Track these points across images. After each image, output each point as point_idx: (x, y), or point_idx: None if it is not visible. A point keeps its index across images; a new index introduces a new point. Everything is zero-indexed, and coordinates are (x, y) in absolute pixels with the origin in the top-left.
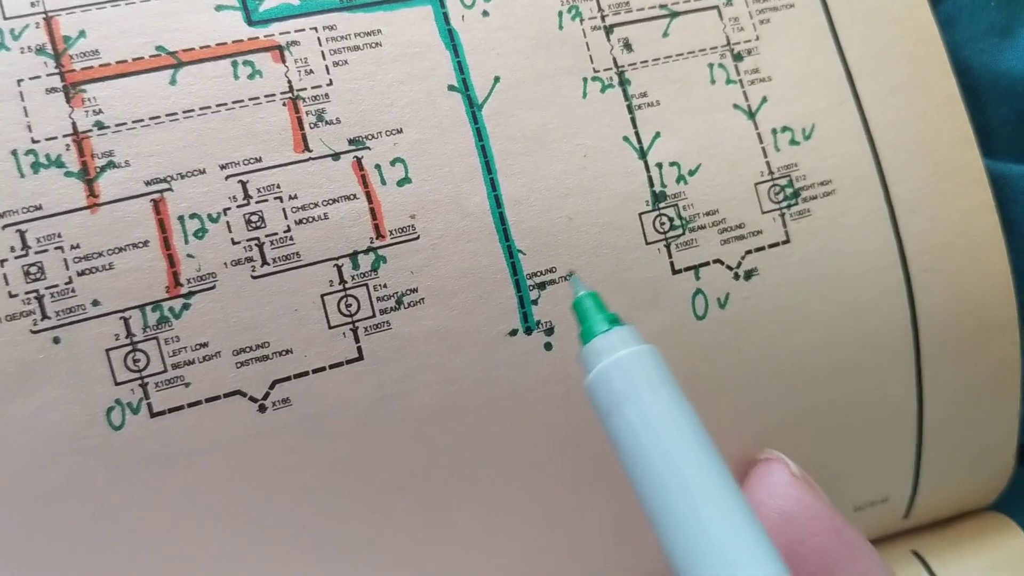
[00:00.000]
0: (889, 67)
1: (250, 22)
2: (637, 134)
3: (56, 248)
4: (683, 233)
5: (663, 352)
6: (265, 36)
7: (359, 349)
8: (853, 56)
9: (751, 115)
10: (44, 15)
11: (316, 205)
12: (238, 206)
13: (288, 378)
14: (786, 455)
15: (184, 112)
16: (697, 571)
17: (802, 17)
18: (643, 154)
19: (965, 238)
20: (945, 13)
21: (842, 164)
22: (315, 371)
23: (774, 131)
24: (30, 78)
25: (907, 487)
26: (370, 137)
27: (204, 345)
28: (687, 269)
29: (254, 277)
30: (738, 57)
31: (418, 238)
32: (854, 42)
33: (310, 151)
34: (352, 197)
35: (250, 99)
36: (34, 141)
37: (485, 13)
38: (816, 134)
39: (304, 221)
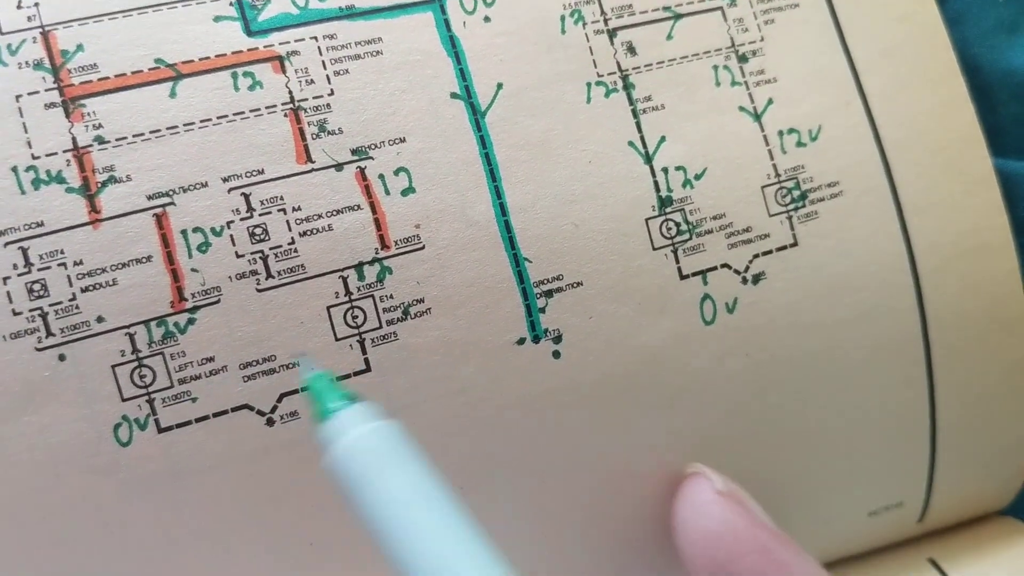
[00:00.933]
0: (896, 65)
1: (249, 32)
2: (642, 139)
3: (59, 265)
4: (690, 238)
5: (678, 357)
6: (265, 46)
7: (366, 361)
8: (859, 54)
9: (757, 117)
10: (41, 29)
11: (320, 216)
12: (241, 219)
13: (296, 391)
14: (797, 460)
15: (185, 125)
16: None
17: (807, 16)
18: (649, 159)
19: (974, 238)
20: (953, 10)
21: (849, 165)
22: None
23: (780, 133)
24: (28, 93)
25: (921, 491)
26: (373, 147)
27: (210, 359)
28: (695, 274)
29: (259, 290)
30: (743, 58)
31: (423, 248)
32: (860, 40)
33: (313, 162)
34: (356, 208)
35: (251, 111)
36: (34, 157)
37: (487, 19)
38: (823, 135)
39: (308, 233)
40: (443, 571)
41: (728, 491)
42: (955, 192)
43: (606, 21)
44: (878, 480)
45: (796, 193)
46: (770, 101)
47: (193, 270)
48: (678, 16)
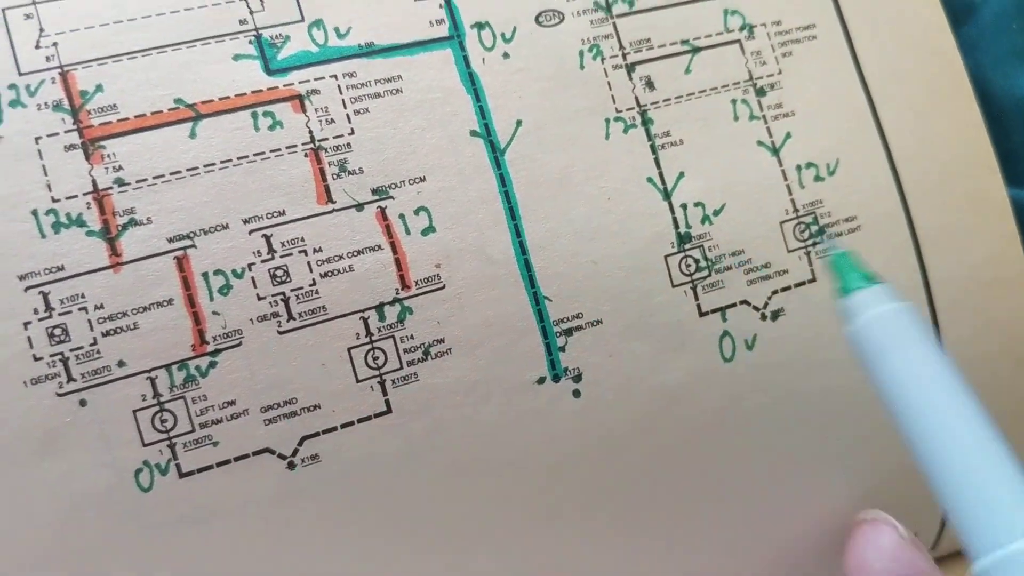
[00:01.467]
0: (912, 95)
1: (269, 71)
2: (661, 175)
3: (80, 309)
4: (709, 275)
5: (698, 394)
6: (284, 85)
7: (387, 402)
8: (875, 85)
9: (775, 151)
10: (60, 69)
11: (341, 257)
12: (262, 261)
13: (316, 434)
14: (816, 493)
15: (205, 166)
16: (967, 520)
17: (824, 48)
18: (667, 195)
19: (990, 270)
20: (967, 36)
21: (867, 199)
22: (343, 426)
23: (798, 167)
24: (48, 135)
25: (936, 520)
26: (393, 186)
27: (232, 403)
28: (714, 311)
29: (280, 333)
30: (761, 92)
31: (444, 287)
32: (877, 71)
33: (333, 202)
34: (377, 248)
35: (271, 151)
36: (54, 200)
37: (506, 55)
38: (840, 169)
39: (329, 274)
40: (957, 451)
41: (910, 537)
42: (971, 224)
43: (624, 56)
44: (895, 510)
45: (814, 228)
46: (788, 135)
47: (214, 313)
48: (696, 49)
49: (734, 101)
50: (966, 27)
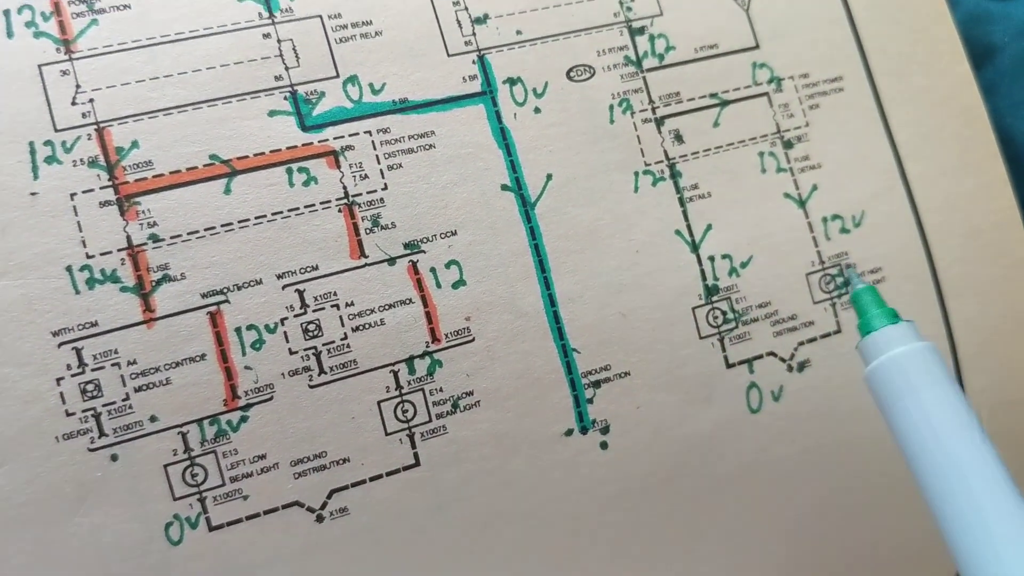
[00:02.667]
0: (937, 149)
1: (304, 127)
2: (689, 227)
3: (113, 365)
4: (736, 326)
5: (725, 445)
6: (319, 141)
7: (416, 455)
8: (902, 138)
9: (802, 204)
10: (96, 126)
11: (372, 311)
12: (295, 315)
13: (346, 487)
14: (840, 543)
15: (239, 222)
16: (976, 566)
17: (851, 100)
18: (695, 247)
19: (1013, 321)
20: (986, 80)
21: (892, 251)
22: (372, 479)
23: (824, 219)
24: (83, 192)
25: (954, 570)
26: (425, 240)
27: (262, 457)
28: (741, 363)
29: (311, 387)
30: (788, 144)
31: (473, 340)
32: (903, 124)
33: (366, 257)
34: (408, 302)
35: (306, 206)
36: (89, 256)
37: (537, 110)
38: (866, 221)
39: (361, 328)
40: (971, 487)
41: None
42: (994, 275)
43: (654, 109)
44: (914, 559)
45: (840, 280)
46: (815, 187)
47: (247, 368)
48: (725, 103)
49: (761, 154)
50: (985, 70)
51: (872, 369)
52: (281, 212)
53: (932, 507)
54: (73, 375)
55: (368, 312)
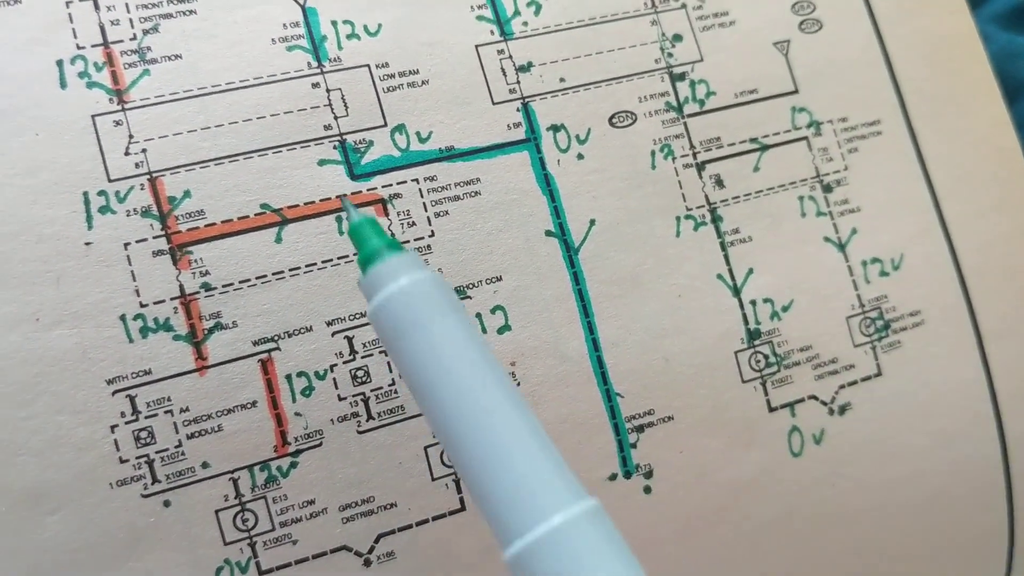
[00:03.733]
0: (975, 190)
1: (353, 176)
2: (730, 271)
3: (166, 412)
4: (778, 370)
5: (767, 489)
6: (368, 190)
7: (461, 500)
8: (939, 179)
9: (841, 247)
10: (149, 176)
11: None
12: (344, 362)
13: (393, 531)
14: None
15: (290, 270)
16: (494, 506)
17: (889, 143)
18: (737, 291)
19: None
20: (1019, 115)
21: (930, 293)
22: (419, 523)
23: (864, 263)
24: (136, 241)
25: None
26: (471, 286)
27: (311, 503)
28: (783, 406)
29: (359, 432)
30: (827, 188)
31: (519, 385)
32: (940, 165)
33: None
34: None
35: (355, 254)
36: (142, 305)
37: (580, 156)
38: (905, 264)
39: None
40: (481, 434)
41: None
42: None
43: (695, 155)
44: None
45: (880, 323)
46: (854, 230)
47: (297, 414)
48: (765, 147)
49: (801, 198)
50: (1018, 104)
51: (375, 307)
52: (331, 260)
53: (446, 446)
54: (127, 422)
55: None
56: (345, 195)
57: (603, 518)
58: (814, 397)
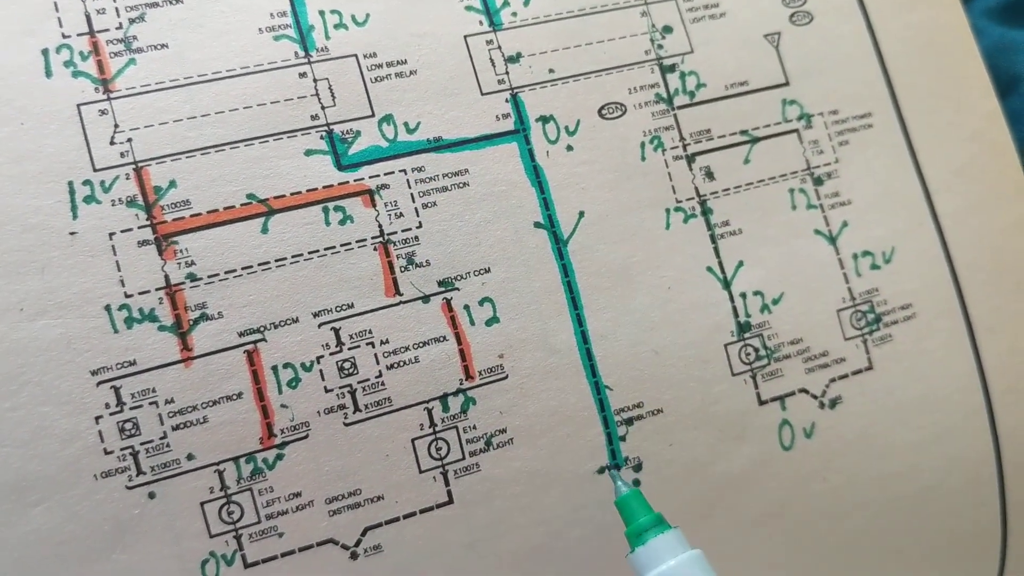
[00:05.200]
0: (967, 183)
1: (340, 166)
2: (720, 264)
3: (151, 403)
4: (768, 363)
5: (757, 483)
6: (355, 180)
7: (449, 493)
8: (931, 173)
9: (832, 240)
10: (134, 165)
11: (407, 349)
12: (331, 353)
13: (379, 524)
14: None
15: (276, 261)
16: None
17: (881, 136)
18: (727, 284)
19: None
20: (1012, 108)
21: (922, 287)
22: (406, 516)
23: (855, 256)
24: (122, 231)
25: None
26: (459, 278)
27: (297, 495)
28: (773, 400)
29: (346, 424)
30: (818, 181)
31: (507, 377)
32: (932, 160)
33: (401, 295)
34: (442, 339)
35: (342, 245)
36: (127, 296)
37: (569, 148)
38: (896, 257)
39: (395, 366)
40: None
41: None
42: None
43: (685, 147)
44: None
45: (871, 316)
46: (845, 224)
47: (283, 406)
48: (755, 140)
49: (792, 190)
50: (1010, 100)
51: None
52: (317, 251)
53: None
54: (111, 414)
55: (403, 350)
56: (616, 467)
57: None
58: (805, 391)
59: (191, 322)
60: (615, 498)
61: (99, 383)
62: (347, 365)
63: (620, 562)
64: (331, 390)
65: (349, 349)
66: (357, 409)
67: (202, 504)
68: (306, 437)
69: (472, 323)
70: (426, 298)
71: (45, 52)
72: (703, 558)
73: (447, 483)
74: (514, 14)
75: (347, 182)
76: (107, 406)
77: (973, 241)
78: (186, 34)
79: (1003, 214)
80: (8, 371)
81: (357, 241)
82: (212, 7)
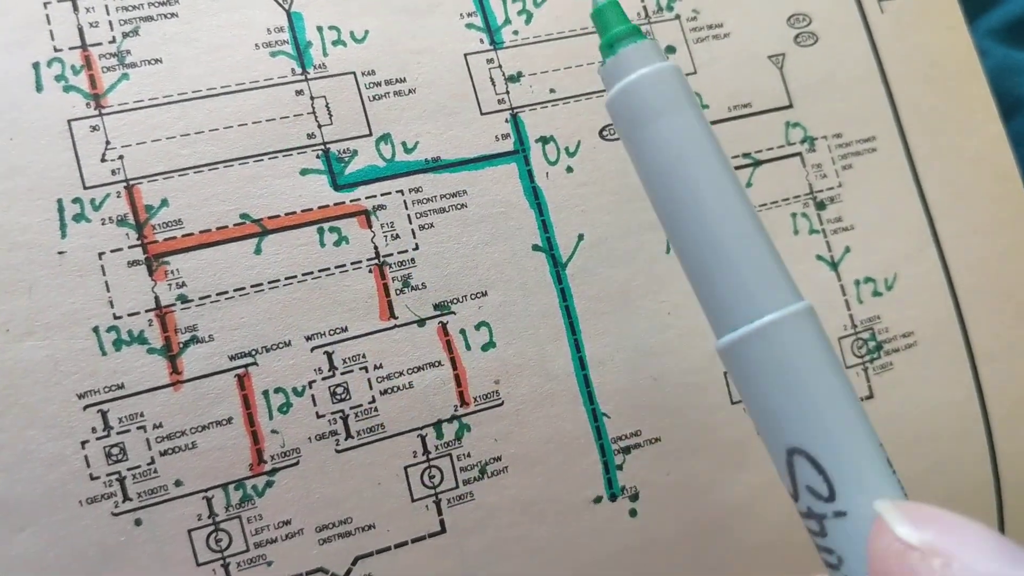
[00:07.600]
0: (970, 208)
1: (336, 186)
2: None
3: (138, 428)
4: None
5: (757, 513)
6: (351, 201)
7: (441, 522)
8: (933, 197)
9: (834, 266)
10: (125, 184)
11: (401, 374)
12: (323, 378)
13: (370, 554)
14: None
15: (269, 283)
16: (718, 297)
17: (884, 160)
18: None
19: None
20: (1014, 131)
21: (923, 314)
22: (397, 546)
23: (857, 282)
24: (111, 251)
25: None
26: (455, 301)
27: (287, 523)
28: None
29: (338, 451)
30: (821, 205)
31: (502, 404)
32: (935, 183)
33: (396, 318)
34: (437, 364)
35: (336, 267)
36: (116, 317)
37: (569, 169)
38: (898, 284)
39: (389, 391)
40: (708, 225)
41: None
42: None
43: None
44: None
45: (872, 344)
46: (847, 249)
47: (273, 431)
48: (758, 163)
49: (794, 215)
50: (1014, 122)
51: (618, 93)
52: (312, 273)
53: (671, 235)
54: (98, 438)
55: (397, 375)
56: None
57: (814, 320)
58: None
59: (181, 345)
60: (591, 10)
61: (86, 407)
62: (339, 390)
63: None
64: (323, 416)
65: (342, 374)
66: (349, 435)
67: (189, 531)
68: (296, 464)
69: (468, 348)
70: (422, 322)
71: (36, 66)
72: (680, 72)
73: (440, 512)
74: (515, 32)
75: (343, 202)
76: (94, 430)
77: (975, 266)
78: (180, 49)
79: (1006, 239)
80: None
81: (352, 263)
82: (208, 21)
